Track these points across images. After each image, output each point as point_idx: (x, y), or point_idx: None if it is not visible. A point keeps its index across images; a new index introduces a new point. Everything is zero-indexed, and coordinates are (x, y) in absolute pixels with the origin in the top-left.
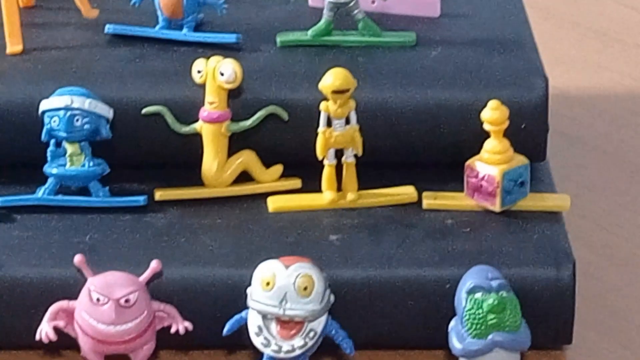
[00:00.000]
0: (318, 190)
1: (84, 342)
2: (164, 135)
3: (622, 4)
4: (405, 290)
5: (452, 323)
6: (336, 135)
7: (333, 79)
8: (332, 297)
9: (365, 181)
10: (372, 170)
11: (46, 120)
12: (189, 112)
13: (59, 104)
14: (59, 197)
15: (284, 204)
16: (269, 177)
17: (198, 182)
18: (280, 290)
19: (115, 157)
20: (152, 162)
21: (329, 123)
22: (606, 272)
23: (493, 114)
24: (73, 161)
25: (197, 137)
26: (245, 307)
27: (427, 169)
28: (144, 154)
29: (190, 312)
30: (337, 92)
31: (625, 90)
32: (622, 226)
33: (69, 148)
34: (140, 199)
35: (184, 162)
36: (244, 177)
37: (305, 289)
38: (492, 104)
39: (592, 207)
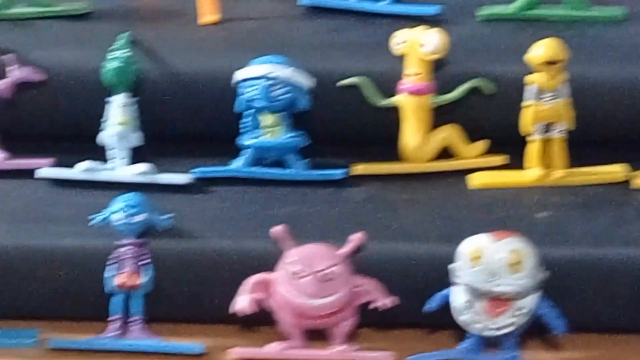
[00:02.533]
0: (519, 167)
1: (282, 316)
2: (361, 108)
3: None
4: (619, 271)
5: None
6: (545, 109)
7: (545, 49)
8: (544, 274)
9: (570, 159)
10: (577, 148)
11: (243, 90)
12: (385, 84)
13: (258, 72)
14: (256, 169)
15: (487, 180)
16: (473, 152)
17: (394, 156)
18: (489, 266)
19: (311, 129)
20: (349, 135)
21: (536, 97)
22: None
23: None
24: (270, 132)
25: (393, 111)
26: (448, 285)
27: (638, 147)
28: (341, 127)
29: (390, 289)
30: (550, 62)
31: None
32: None
33: (267, 119)
34: (339, 173)
35: (380, 136)
36: (441, 153)
37: (516, 264)
38: None
39: None
